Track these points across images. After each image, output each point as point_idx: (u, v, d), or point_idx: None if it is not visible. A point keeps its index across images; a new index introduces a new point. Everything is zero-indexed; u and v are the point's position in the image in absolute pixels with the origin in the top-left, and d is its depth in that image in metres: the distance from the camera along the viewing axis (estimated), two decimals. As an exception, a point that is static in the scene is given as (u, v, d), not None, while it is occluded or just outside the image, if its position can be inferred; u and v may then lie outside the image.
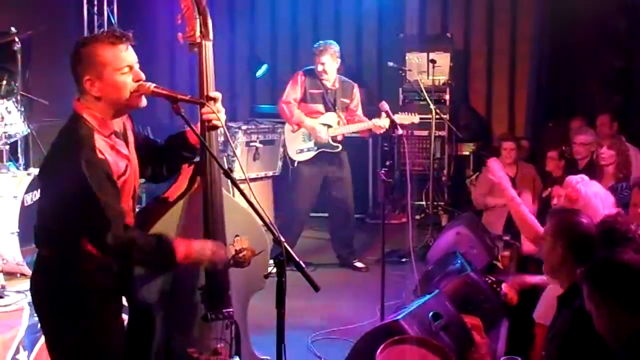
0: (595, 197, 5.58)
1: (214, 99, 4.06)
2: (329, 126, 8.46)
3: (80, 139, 3.61)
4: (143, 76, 3.77)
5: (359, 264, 8.71)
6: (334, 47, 8.47)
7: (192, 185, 4.12)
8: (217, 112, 3.99)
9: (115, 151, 3.74)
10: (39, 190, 4.58)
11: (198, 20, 4.10)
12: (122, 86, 3.71)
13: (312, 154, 8.53)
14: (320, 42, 8.58)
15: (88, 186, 3.53)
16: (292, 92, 8.63)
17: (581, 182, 5.70)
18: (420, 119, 8.72)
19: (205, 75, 4.12)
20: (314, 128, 8.39)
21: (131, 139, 3.93)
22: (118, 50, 3.71)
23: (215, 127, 4.03)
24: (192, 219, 4.03)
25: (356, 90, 8.68)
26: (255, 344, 4.45)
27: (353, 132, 8.59)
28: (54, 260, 3.76)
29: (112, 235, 3.58)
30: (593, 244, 4.43)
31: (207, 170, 4.04)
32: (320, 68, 8.41)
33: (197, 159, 4.14)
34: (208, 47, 4.14)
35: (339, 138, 8.49)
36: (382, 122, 8.12)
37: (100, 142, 3.65)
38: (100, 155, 3.61)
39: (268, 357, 4.47)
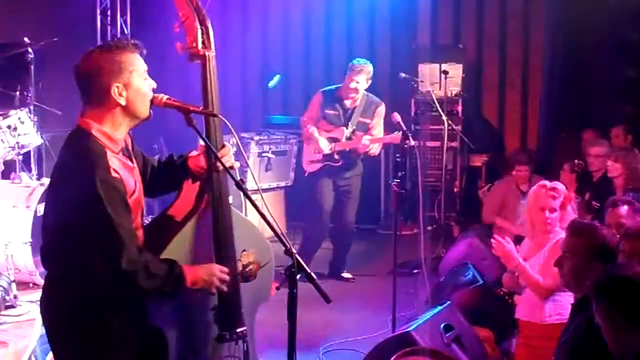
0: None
1: (222, 155, 4.00)
2: (336, 140, 8.49)
3: (93, 157, 3.52)
4: (154, 85, 3.77)
5: (346, 275, 8.80)
6: (370, 68, 8.56)
7: (200, 202, 4.07)
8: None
9: (127, 168, 3.69)
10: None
11: (199, 30, 4.02)
12: (146, 93, 3.68)
13: (318, 165, 8.62)
14: (359, 60, 8.63)
15: (103, 207, 3.46)
16: (309, 111, 8.87)
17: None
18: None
19: (209, 87, 4.05)
20: (317, 140, 8.48)
21: (133, 154, 3.88)
22: (139, 57, 3.69)
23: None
24: (203, 237, 4.01)
25: (380, 109, 8.69)
26: (265, 356, 4.45)
27: (351, 147, 8.55)
28: (63, 279, 3.69)
29: (126, 259, 3.51)
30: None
31: (215, 187, 4.00)
32: (353, 85, 8.47)
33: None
34: (211, 58, 4.07)
35: (335, 155, 8.51)
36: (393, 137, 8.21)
37: (113, 160, 3.58)
38: (114, 174, 3.54)
39: None
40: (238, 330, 4.06)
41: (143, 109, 3.70)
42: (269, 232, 3.78)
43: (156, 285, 3.67)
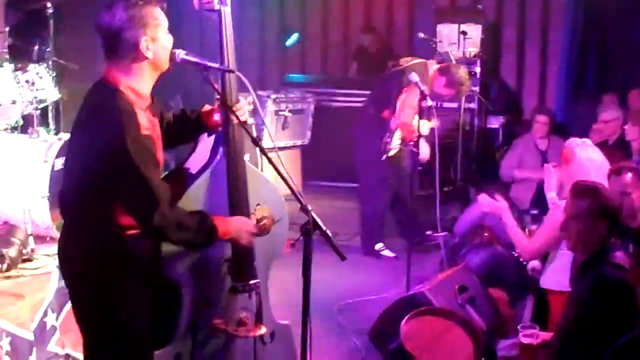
0: (588, 162, 5.55)
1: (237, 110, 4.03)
2: None
3: (123, 115, 3.54)
4: (172, 40, 3.78)
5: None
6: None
7: (214, 155, 4.12)
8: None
9: (153, 125, 3.73)
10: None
11: None
12: (169, 47, 3.73)
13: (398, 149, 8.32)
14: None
15: (136, 166, 3.49)
16: None
17: (580, 146, 5.68)
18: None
19: (225, 42, 4.09)
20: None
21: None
22: (161, 11, 3.72)
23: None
24: (217, 191, 4.05)
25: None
26: (281, 311, 4.47)
27: None
28: (83, 228, 3.74)
29: (160, 215, 3.56)
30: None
31: (230, 140, 4.04)
32: None
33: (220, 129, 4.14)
34: (227, 13, 4.10)
35: None
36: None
37: (142, 117, 3.61)
38: (145, 132, 3.57)
39: (288, 322, 4.50)
40: (251, 282, 4.11)
41: (166, 63, 3.75)
42: (285, 190, 3.80)
43: (188, 237, 3.73)
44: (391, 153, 8.10)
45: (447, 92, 8.10)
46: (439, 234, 7.62)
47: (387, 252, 8.25)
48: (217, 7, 4.08)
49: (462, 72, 8.06)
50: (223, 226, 3.80)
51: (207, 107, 4.14)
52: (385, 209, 8.38)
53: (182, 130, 4.13)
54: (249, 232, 3.94)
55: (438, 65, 8.21)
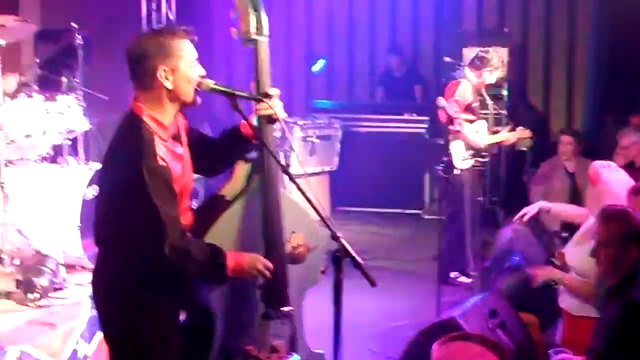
0: (615, 183, 5.53)
1: (271, 96, 4.07)
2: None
3: (141, 144, 3.58)
4: (204, 72, 3.80)
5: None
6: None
7: (250, 183, 4.13)
8: (274, 107, 4.02)
9: (173, 154, 3.75)
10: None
11: (253, 16, 4.08)
12: (193, 79, 3.72)
13: (471, 162, 8.25)
14: None
15: (148, 194, 3.52)
16: None
17: (605, 167, 5.67)
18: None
19: (261, 71, 4.11)
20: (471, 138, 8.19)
21: (184, 138, 3.93)
22: (189, 43, 3.74)
23: (273, 121, 4.06)
24: (252, 218, 4.05)
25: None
26: (311, 339, 4.47)
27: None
28: (113, 258, 3.78)
29: (169, 245, 3.57)
30: None
31: (265, 167, 4.05)
32: None
33: (253, 155, 4.16)
34: (264, 43, 4.13)
35: None
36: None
37: (160, 147, 3.63)
38: (161, 162, 3.60)
39: (322, 351, 4.49)
40: (283, 309, 4.11)
41: (188, 94, 3.74)
42: (312, 217, 3.82)
43: (196, 270, 3.74)
44: (463, 166, 8.04)
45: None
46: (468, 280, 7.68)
47: (463, 279, 8.17)
48: (253, 37, 4.10)
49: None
50: (235, 262, 3.81)
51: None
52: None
53: (227, 146, 4.16)
54: (261, 272, 3.92)
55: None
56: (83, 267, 6.77)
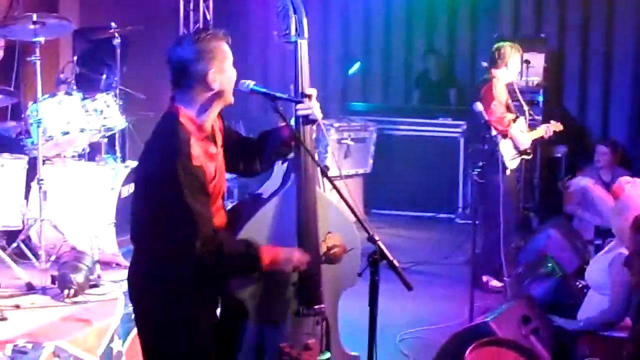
0: (636, 199, 5.52)
1: (309, 96, 4.10)
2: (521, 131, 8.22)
3: (177, 143, 3.64)
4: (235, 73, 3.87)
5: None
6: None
7: (285, 182, 4.17)
8: (312, 108, 4.05)
9: (208, 155, 3.79)
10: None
11: (293, 19, 4.16)
12: (233, 80, 3.82)
13: (518, 161, 8.21)
14: None
15: (182, 193, 3.58)
16: None
17: (631, 183, 5.67)
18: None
19: (300, 72, 4.17)
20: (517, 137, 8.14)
21: (219, 138, 3.97)
22: (227, 45, 3.81)
23: (312, 122, 4.09)
24: (286, 217, 4.08)
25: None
26: (345, 340, 4.48)
27: None
28: (147, 255, 3.84)
29: (201, 242, 3.62)
30: None
31: (302, 167, 4.08)
32: None
33: (291, 155, 4.19)
34: (303, 45, 4.19)
35: None
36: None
37: (196, 147, 3.68)
38: (195, 163, 3.65)
39: (357, 354, 4.50)
40: (317, 307, 4.13)
41: (231, 95, 3.82)
42: (352, 218, 3.83)
43: (231, 266, 3.81)
44: (512, 165, 8.00)
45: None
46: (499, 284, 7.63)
47: (495, 283, 8.07)
48: (293, 39, 4.17)
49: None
50: (270, 256, 3.85)
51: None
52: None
53: (266, 148, 4.17)
54: (297, 266, 3.97)
55: None
56: (118, 264, 6.82)
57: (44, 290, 6.24)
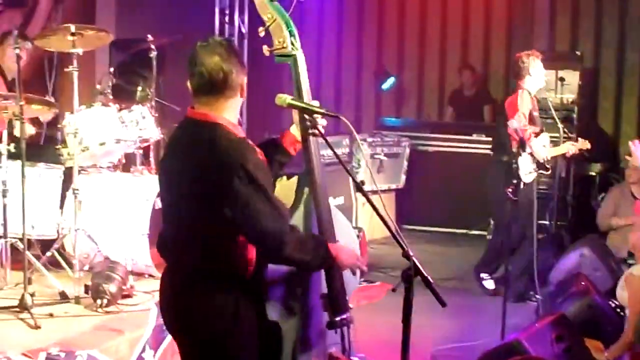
0: None
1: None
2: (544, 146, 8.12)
3: (237, 143, 3.65)
4: None
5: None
6: None
7: (300, 196, 4.13)
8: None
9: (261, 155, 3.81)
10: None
11: (287, 33, 4.08)
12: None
13: (535, 175, 8.05)
14: None
15: (260, 187, 3.57)
16: None
17: None
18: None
19: (301, 85, 4.10)
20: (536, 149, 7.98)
21: None
22: None
23: (315, 135, 4.04)
24: (310, 229, 4.07)
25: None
26: (376, 356, 4.48)
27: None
28: (187, 266, 3.75)
29: (286, 234, 3.63)
30: None
31: (315, 181, 4.04)
32: None
33: (302, 170, 4.17)
34: (300, 56, 4.13)
35: None
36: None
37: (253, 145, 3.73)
38: (260, 156, 3.68)
39: (363, 355, 4.50)
40: (345, 316, 4.13)
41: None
42: (383, 233, 3.83)
43: (306, 258, 3.77)
44: (528, 179, 7.87)
45: None
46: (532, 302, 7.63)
47: (488, 283, 8.20)
48: (292, 52, 4.09)
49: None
50: (336, 252, 3.87)
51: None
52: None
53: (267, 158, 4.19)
54: (356, 262, 4.02)
55: None
56: (151, 275, 6.86)
57: (77, 300, 6.29)
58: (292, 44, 4.10)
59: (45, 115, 7.54)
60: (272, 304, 3.94)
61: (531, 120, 7.89)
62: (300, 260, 3.76)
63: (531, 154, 7.78)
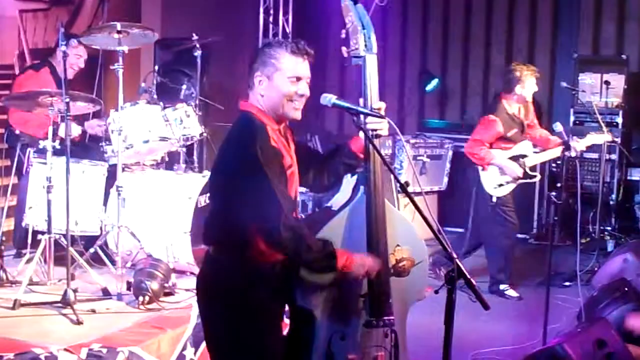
0: None
1: (378, 109, 4.11)
2: (524, 156, 8.16)
3: (254, 129, 3.72)
4: (308, 93, 3.86)
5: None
6: None
7: (355, 195, 4.18)
8: (382, 122, 4.06)
9: (283, 145, 3.84)
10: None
11: (362, 34, 4.17)
12: (285, 93, 3.79)
13: (512, 186, 8.19)
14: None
15: (264, 173, 3.61)
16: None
17: None
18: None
19: (369, 87, 4.16)
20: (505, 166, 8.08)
21: (292, 145, 4.01)
22: (295, 60, 3.81)
23: (377, 136, 4.08)
24: (356, 229, 4.08)
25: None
26: (416, 358, 4.46)
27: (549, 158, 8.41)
28: (222, 259, 3.84)
29: (285, 225, 3.63)
30: None
31: (371, 180, 4.08)
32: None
33: (360, 169, 4.19)
34: (372, 59, 4.19)
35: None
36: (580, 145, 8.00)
37: (272, 133, 3.75)
38: (273, 144, 3.71)
39: None
40: (385, 318, 4.13)
41: (276, 106, 3.84)
42: (426, 235, 3.82)
43: (308, 258, 3.80)
44: (499, 194, 8.09)
45: None
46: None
47: (511, 292, 8.19)
48: (362, 53, 4.18)
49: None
50: (344, 258, 3.85)
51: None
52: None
53: (335, 161, 4.21)
54: (369, 272, 3.96)
55: None
56: (193, 273, 6.88)
57: (119, 296, 6.34)
58: (366, 46, 4.17)
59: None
60: (307, 292, 3.98)
61: (505, 138, 7.98)
62: (302, 256, 3.78)
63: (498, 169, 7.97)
